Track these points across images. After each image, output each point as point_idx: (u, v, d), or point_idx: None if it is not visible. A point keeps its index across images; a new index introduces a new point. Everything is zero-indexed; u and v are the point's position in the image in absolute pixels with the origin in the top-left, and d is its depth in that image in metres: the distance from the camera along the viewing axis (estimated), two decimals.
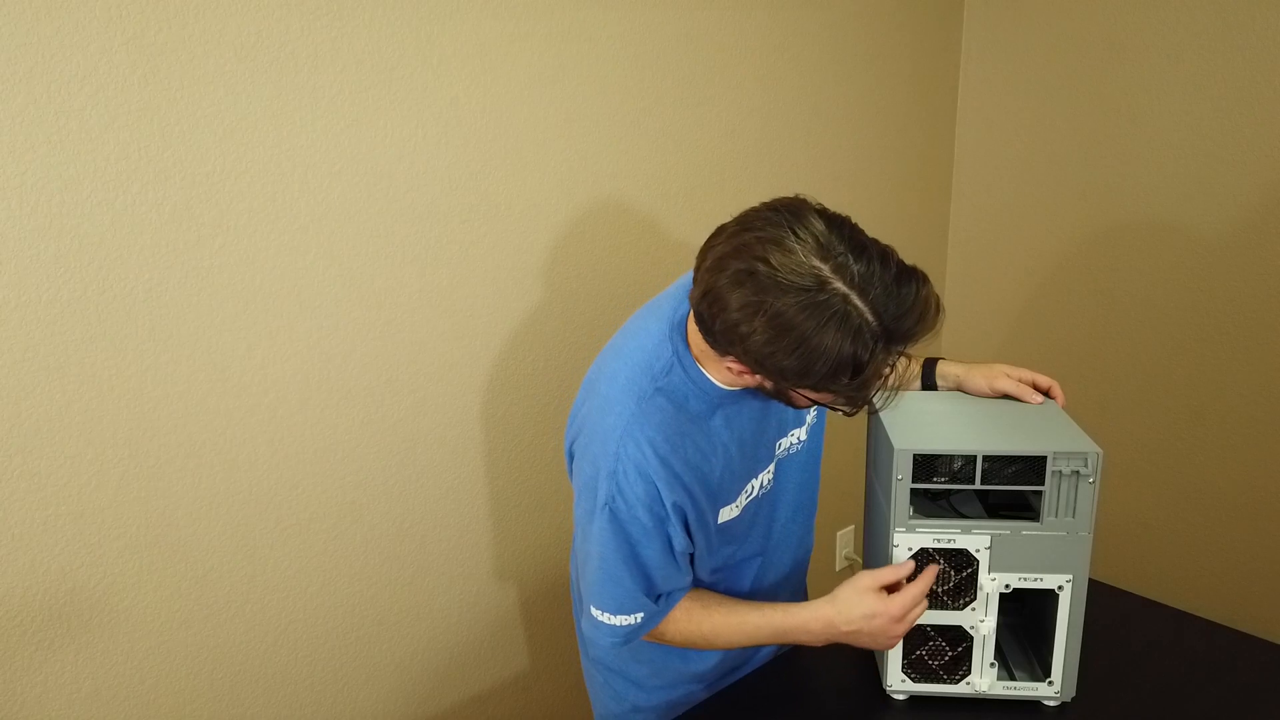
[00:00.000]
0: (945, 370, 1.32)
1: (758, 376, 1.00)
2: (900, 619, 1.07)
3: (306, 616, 1.49)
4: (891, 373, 0.97)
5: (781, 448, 1.21)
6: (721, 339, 0.97)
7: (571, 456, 1.16)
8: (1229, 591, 2.17)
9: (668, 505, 1.06)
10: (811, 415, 1.25)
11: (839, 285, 0.89)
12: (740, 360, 0.98)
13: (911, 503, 1.12)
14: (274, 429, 1.38)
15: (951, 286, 2.54)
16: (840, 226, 0.92)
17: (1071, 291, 2.31)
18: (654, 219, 1.76)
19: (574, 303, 1.69)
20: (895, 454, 1.10)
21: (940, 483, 1.11)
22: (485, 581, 1.71)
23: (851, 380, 0.92)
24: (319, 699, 1.54)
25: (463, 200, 1.50)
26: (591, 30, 1.60)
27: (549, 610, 1.81)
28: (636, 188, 1.72)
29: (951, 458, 1.11)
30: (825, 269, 0.89)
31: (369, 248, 1.42)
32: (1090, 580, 1.13)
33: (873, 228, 0.97)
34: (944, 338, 2.59)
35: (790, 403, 1.06)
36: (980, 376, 1.27)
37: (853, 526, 2.48)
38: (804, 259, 0.89)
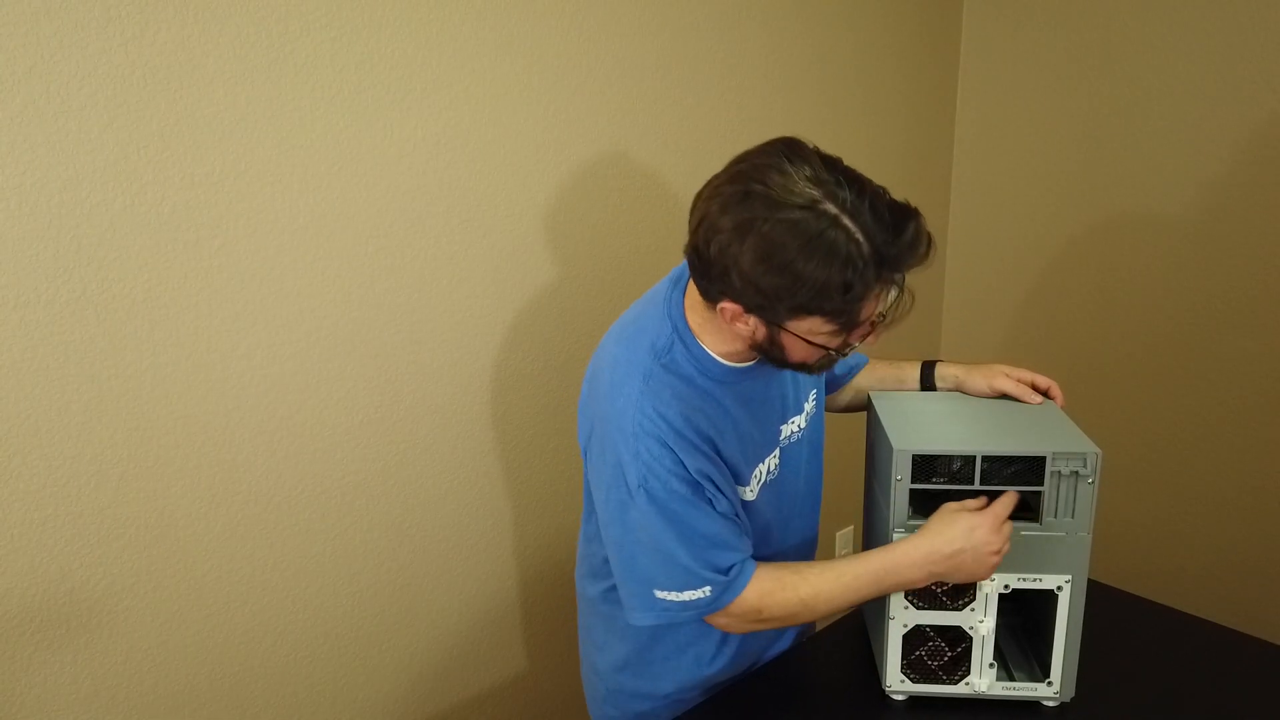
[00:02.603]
0: (944, 371, 1.32)
1: (751, 321, 1.00)
2: (997, 529, 1.06)
3: (306, 617, 1.49)
4: (884, 310, 0.98)
5: (784, 434, 1.21)
6: (715, 271, 0.96)
7: (587, 454, 1.15)
8: (1229, 591, 2.17)
9: (692, 471, 1.05)
10: (810, 403, 1.25)
11: (830, 207, 0.91)
12: (732, 297, 0.97)
13: (911, 503, 1.12)
14: (273, 429, 1.38)
15: (951, 286, 2.54)
16: (834, 162, 0.95)
17: (1071, 291, 2.31)
18: (654, 220, 1.76)
19: (574, 304, 1.69)
20: (894, 454, 1.10)
21: (939, 483, 1.11)
22: (485, 582, 1.71)
23: (842, 299, 0.92)
24: (319, 699, 1.54)
25: (462, 200, 1.50)
26: (591, 32, 1.60)
27: (549, 611, 1.81)
28: (636, 189, 1.72)
29: (951, 458, 1.11)
30: (818, 193, 0.91)
31: (368, 248, 1.42)
32: (1090, 580, 1.13)
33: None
34: (944, 337, 2.59)
35: (784, 356, 1.03)
36: (980, 377, 1.27)
37: (852, 527, 2.48)
38: (797, 182, 0.91)
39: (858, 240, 0.91)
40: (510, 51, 1.50)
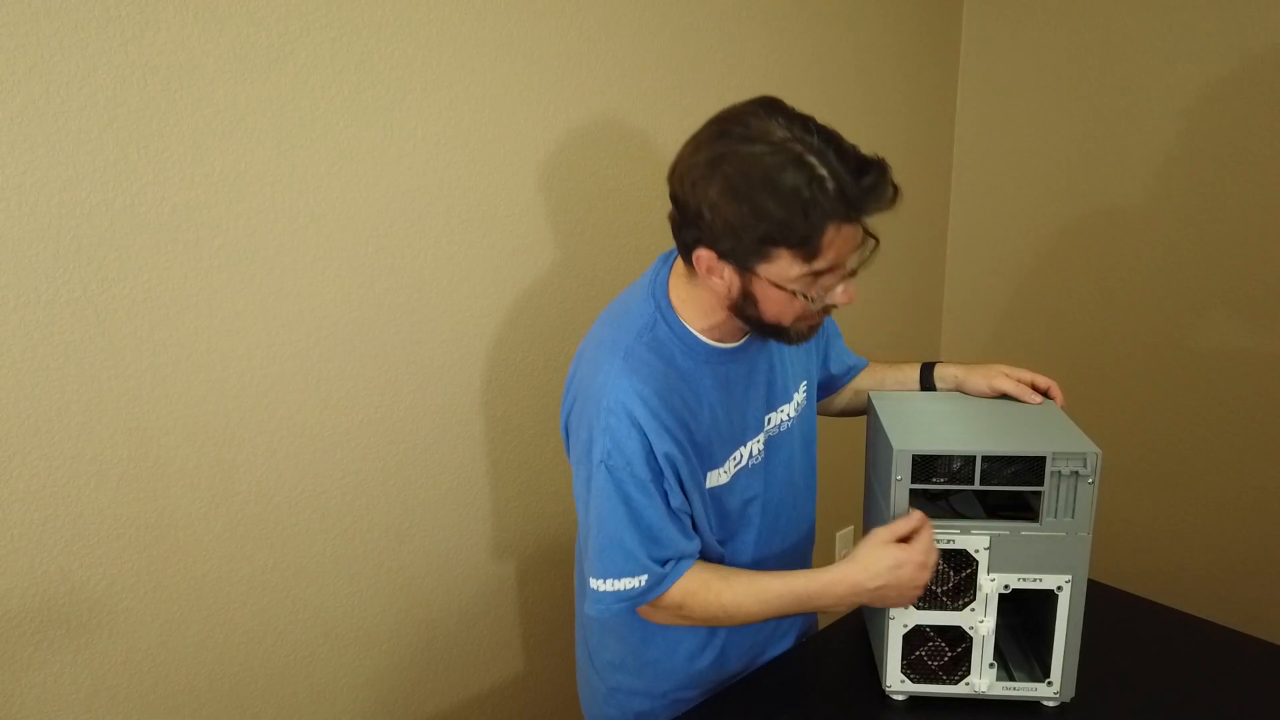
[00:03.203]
0: (944, 372, 1.32)
1: (725, 272, 1.02)
2: (924, 564, 1.07)
3: (306, 617, 1.49)
4: (850, 259, 1.00)
5: (771, 423, 1.22)
6: (690, 211, 1.00)
7: (568, 432, 1.16)
8: (1229, 591, 2.17)
9: (659, 456, 1.07)
10: (800, 394, 1.26)
11: (798, 146, 0.96)
12: (707, 243, 1.00)
13: (911, 503, 1.12)
14: (273, 429, 1.38)
15: (951, 286, 2.54)
16: (808, 118, 1.00)
17: (1071, 291, 2.31)
18: (654, 219, 1.76)
19: (574, 304, 1.69)
20: (894, 454, 1.10)
21: (939, 483, 1.11)
22: (485, 582, 1.71)
23: (804, 224, 0.95)
24: (319, 699, 1.54)
25: (462, 200, 1.50)
26: (591, 32, 1.60)
27: (549, 611, 1.81)
28: (636, 188, 1.72)
29: (951, 458, 1.11)
30: (789, 134, 0.96)
31: (368, 248, 1.42)
32: (1089, 580, 1.13)
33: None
34: (944, 337, 2.59)
35: (759, 313, 1.05)
36: (979, 377, 1.27)
37: (852, 527, 2.48)
38: (771, 127, 0.97)
39: (821, 175, 0.95)
40: (510, 51, 1.50)
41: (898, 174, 1.00)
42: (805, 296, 1.02)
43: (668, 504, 1.10)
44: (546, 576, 1.79)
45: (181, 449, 1.30)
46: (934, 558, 1.09)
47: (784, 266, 0.99)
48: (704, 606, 1.12)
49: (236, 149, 1.26)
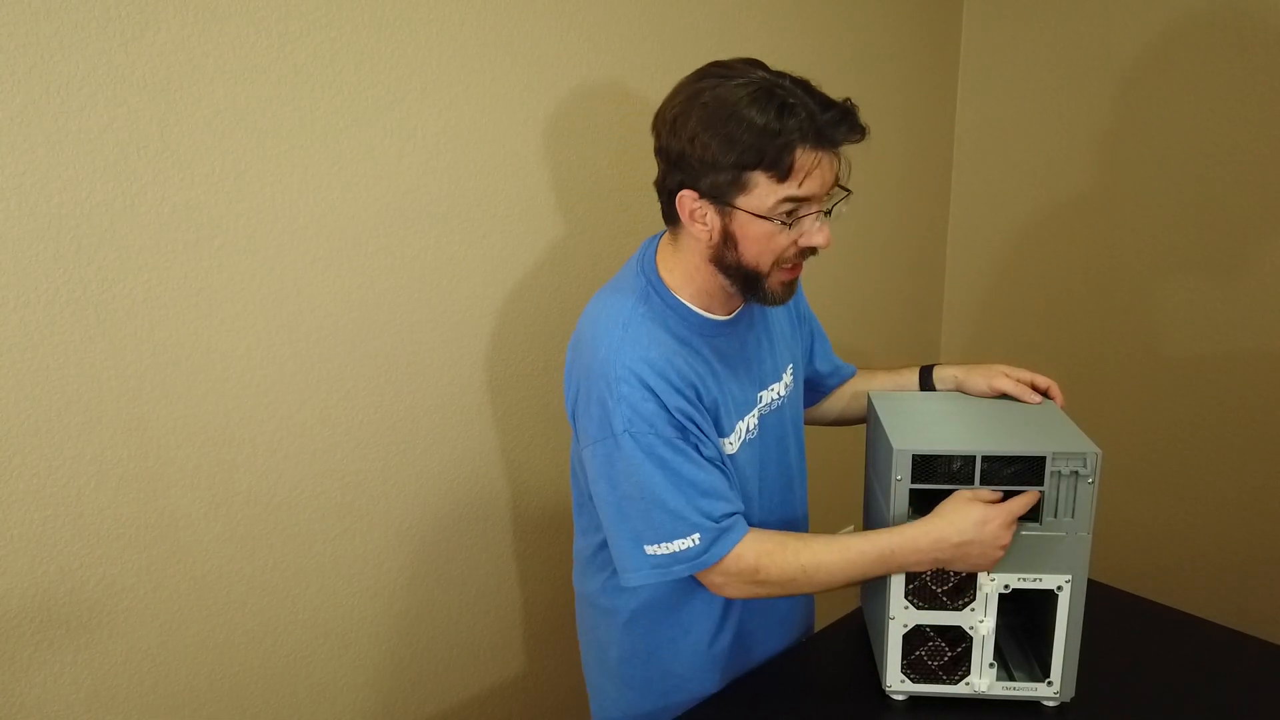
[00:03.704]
0: (944, 373, 1.32)
1: (708, 215, 1.06)
2: (1009, 525, 1.07)
3: (306, 617, 1.49)
4: (826, 189, 1.05)
5: (764, 400, 1.22)
6: (672, 156, 1.05)
7: (574, 417, 1.15)
8: (1229, 591, 2.17)
9: (676, 413, 1.07)
10: (788, 375, 1.27)
11: (770, 81, 1.03)
12: (689, 182, 1.05)
13: (911, 503, 1.12)
14: (273, 429, 1.38)
15: (951, 286, 2.54)
16: (784, 72, 1.06)
17: (1070, 291, 2.31)
18: (654, 219, 1.76)
19: (574, 304, 1.69)
20: (894, 454, 1.10)
21: (939, 483, 1.11)
22: (485, 582, 1.71)
23: (777, 142, 1.00)
24: (319, 699, 1.54)
25: (463, 200, 1.50)
26: (591, 32, 1.60)
27: (549, 611, 1.81)
28: (635, 189, 1.72)
29: (951, 458, 1.11)
30: (764, 75, 1.03)
31: (368, 248, 1.42)
32: (1090, 580, 1.13)
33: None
34: (944, 337, 2.59)
35: (739, 256, 1.07)
36: (979, 377, 1.27)
37: (852, 527, 2.48)
38: (747, 69, 1.04)
39: (791, 103, 1.01)
40: (510, 51, 1.50)
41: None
42: (783, 224, 1.04)
43: (702, 455, 1.09)
44: (546, 576, 1.79)
45: (181, 449, 1.30)
46: (1014, 524, 1.08)
47: (761, 195, 1.03)
48: (781, 569, 1.09)
49: (236, 149, 1.26)
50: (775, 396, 1.24)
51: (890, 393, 1.32)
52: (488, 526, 1.69)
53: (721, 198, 1.04)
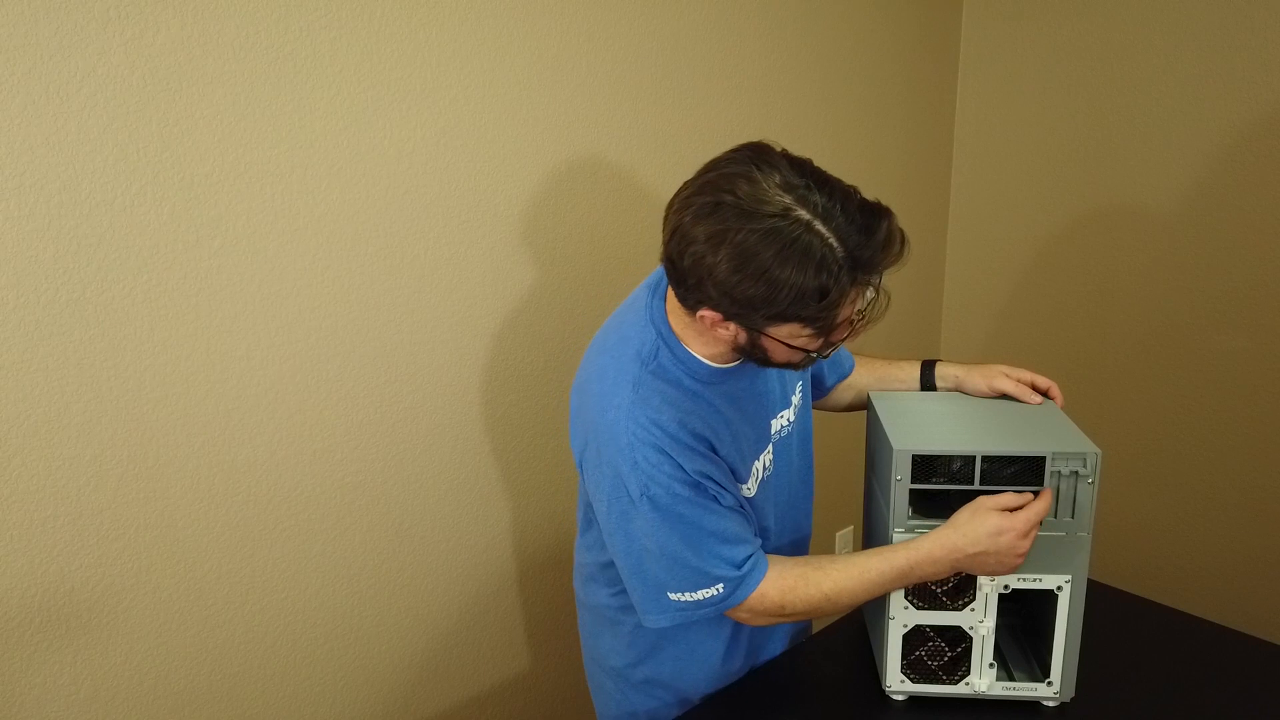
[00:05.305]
0: (944, 372, 1.32)
1: (731, 327, 1.00)
2: (1025, 534, 1.06)
3: (306, 617, 1.49)
4: (861, 309, 0.99)
5: (775, 429, 1.22)
6: (691, 281, 0.97)
7: (583, 467, 1.14)
8: (1229, 591, 2.17)
9: (692, 473, 1.05)
10: (796, 396, 1.26)
11: (802, 213, 0.91)
12: (711, 305, 0.98)
13: (911, 503, 1.12)
14: (273, 430, 1.38)
15: (951, 286, 2.54)
16: (803, 164, 0.95)
17: (1070, 291, 2.31)
18: (654, 220, 1.76)
19: (574, 304, 1.69)
20: (894, 454, 1.10)
21: (939, 483, 1.11)
22: (485, 582, 1.71)
23: (818, 306, 0.93)
24: (319, 699, 1.54)
25: (462, 201, 1.50)
26: (591, 31, 1.60)
27: (549, 611, 1.81)
28: (635, 189, 1.72)
29: (950, 458, 1.11)
30: (789, 199, 0.92)
31: (368, 248, 1.42)
32: (1089, 580, 1.13)
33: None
34: (944, 337, 2.59)
35: (767, 357, 1.04)
36: (979, 377, 1.27)
37: (851, 527, 2.48)
38: (767, 189, 0.92)
39: (831, 245, 0.91)
40: (510, 51, 1.50)
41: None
42: (814, 353, 1.02)
43: (721, 505, 1.08)
44: (546, 576, 1.79)
45: (181, 449, 1.30)
46: (1034, 534, 1.07)
47: (795, 329, 0.98)
48: (806, 601, 1.10)
49: (236, 149, 1.26)
50: (786, 422, 1.23)
51: (890, 393, 1.32)
52: (488, 526, 1.69)
53: (750, 327, 1.00)
